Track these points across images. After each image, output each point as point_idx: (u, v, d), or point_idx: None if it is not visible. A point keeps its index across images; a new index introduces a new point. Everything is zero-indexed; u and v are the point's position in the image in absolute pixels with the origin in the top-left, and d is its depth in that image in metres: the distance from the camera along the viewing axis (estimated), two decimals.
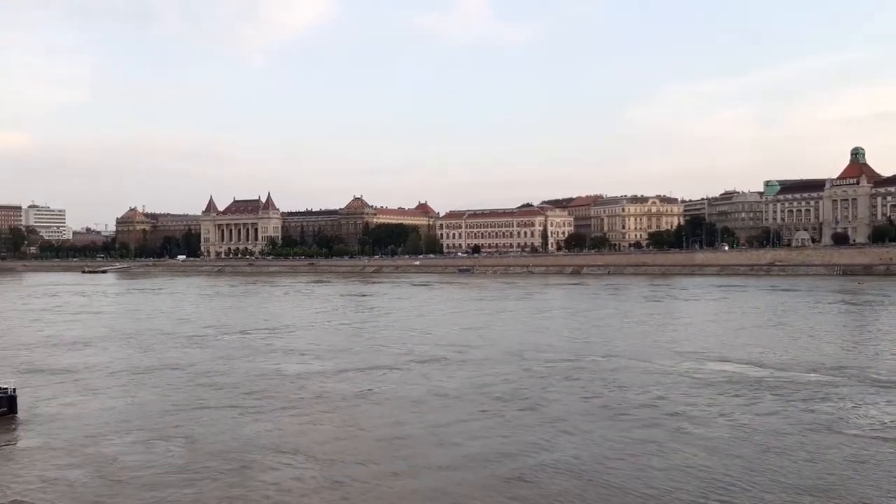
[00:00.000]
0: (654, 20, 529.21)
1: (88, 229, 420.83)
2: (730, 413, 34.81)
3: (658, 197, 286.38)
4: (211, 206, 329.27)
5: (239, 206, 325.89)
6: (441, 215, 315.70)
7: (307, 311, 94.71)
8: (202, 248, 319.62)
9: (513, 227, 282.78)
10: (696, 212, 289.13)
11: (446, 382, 43.38)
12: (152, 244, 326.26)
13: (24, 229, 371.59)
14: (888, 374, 43.83)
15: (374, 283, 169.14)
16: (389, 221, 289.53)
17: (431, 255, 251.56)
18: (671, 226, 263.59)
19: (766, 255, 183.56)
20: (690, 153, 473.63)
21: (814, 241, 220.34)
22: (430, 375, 45.72)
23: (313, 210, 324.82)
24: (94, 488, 25.66)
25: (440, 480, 26.11)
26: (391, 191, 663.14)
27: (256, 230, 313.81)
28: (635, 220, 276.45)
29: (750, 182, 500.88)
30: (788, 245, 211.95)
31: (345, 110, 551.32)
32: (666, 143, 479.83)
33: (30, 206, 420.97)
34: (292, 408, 37.13)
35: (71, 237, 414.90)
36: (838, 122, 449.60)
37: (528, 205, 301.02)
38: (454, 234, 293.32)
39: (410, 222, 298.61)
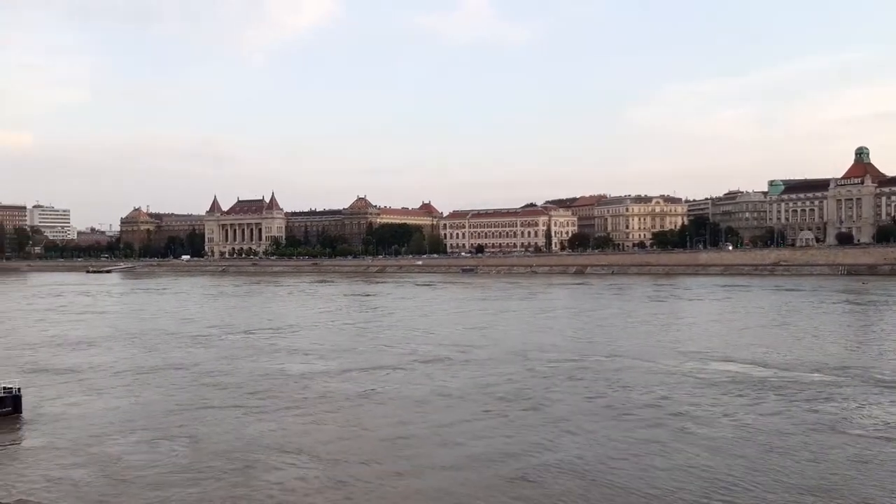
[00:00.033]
0: (654, 20, 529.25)
1: (93, 229, 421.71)
2: (733, 413, 34.81)
3: (662, 197, 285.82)
4: (215, 206, 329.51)
5: (243, 206, 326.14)
6: (444, 215, 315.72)
7: (311, 311, 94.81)
8: (206, 248, 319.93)
9: (516, 226, 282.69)
10: (700, 211, 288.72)
11: (450, 382, 43.42)
12: (156, 244, 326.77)
13: (28, 229, 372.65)
14: (892, 375, 43.78)
15: (378, 283, 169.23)
16: (393, 221, 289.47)
17: (435, 255, 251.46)
18: (675, 226, 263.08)
19: (771, 255, 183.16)
20: (691, 153, 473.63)
21: (818, 240, 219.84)
22: (434, 375, 45.77)
23: (317, 210, 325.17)
24: (99, 487, 25.76)
25: (444, 480, 26.15)
26: (393, 191, 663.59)
27: (260, 230, 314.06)
28: (639, 219, 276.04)
29: (752, 181, 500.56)
30: (793, 245, 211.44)
31: (345, 110, 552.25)
32: (666, 143, 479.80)
33: (34, 206, 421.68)
34: (296, 407, 37.21)
35: (75, 237, 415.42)
36: (840, 122, 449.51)
37: (532, 205, 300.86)
38: (458, 234, 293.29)
39: (414, 222, 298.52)
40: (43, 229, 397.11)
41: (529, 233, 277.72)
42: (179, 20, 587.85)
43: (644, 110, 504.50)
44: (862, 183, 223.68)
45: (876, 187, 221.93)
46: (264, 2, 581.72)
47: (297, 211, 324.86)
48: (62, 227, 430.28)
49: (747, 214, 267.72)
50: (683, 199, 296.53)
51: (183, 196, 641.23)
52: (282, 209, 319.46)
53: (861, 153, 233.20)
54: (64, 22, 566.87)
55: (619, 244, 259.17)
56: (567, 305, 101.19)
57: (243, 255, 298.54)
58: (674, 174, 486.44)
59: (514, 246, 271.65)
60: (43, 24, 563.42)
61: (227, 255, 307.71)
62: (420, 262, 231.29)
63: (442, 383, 43.16)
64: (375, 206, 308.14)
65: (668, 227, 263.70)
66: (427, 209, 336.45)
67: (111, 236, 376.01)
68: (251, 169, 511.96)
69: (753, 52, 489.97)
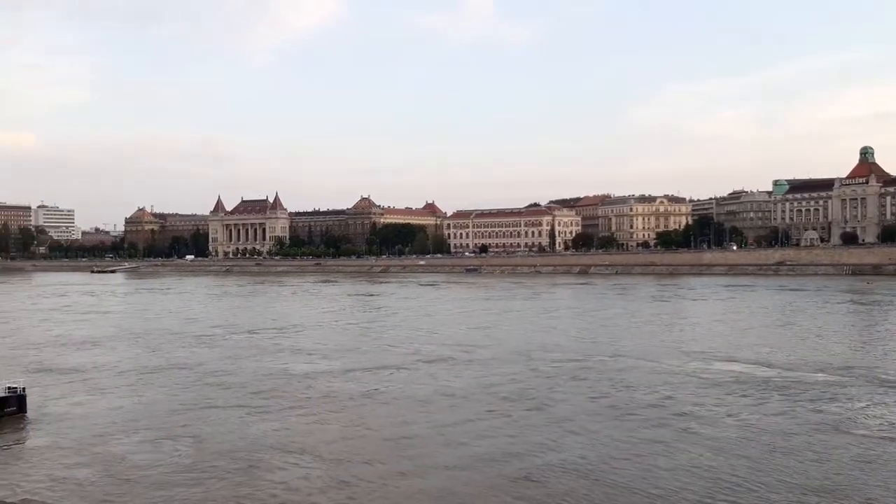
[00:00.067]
0: (654, 20, 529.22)
1: (97, 229, 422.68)
2: (737, 413, 34.77)
3: (666, 196, 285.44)
4: (219, 206, 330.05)
5: (247, 206, 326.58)
6: (448, 215, 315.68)
7: (314, 311, 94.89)
8: (210, 248, 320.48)
9: (520, 226, 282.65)
10: (704, 211, 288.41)
11: (453, 382, 43.43)
12: (161, 244, 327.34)
13: (33, 229, 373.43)
14: None
15: (382, 282, 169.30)
16: (397, 221, 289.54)
17: (439, 255, 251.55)
18: (679, 225, 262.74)
19: (775, 255, 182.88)
20: (692, 153, 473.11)
21: (823, 240, 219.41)
22: (437, 375, 45.78)
23: (321, 210, 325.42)
24: (103, 487, 25.82)
25: (447, 480, 26.16)
26: (395, 190, 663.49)
27: (264, 230, 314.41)
28: (643, 219, 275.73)
29: (754, 181, 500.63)
30: (797, 245, 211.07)
31: (346, 110, 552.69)
32: (667, 143, 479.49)
33: (39, 207, 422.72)
34: (300, 407, 37.25)
35: (80, 237, 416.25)
36: (841, 122, 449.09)
37: (536, 204, 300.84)
38: (461, 234, 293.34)
39: (418, 222, 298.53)
40: (47, 229, 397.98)
41: (533, 233, 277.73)
42: (181, 20, 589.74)
43: (645, 110, 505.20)
44: (867, 183, 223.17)
45: (881, 187, 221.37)
46: (269, 1, 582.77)
47: (301, 211, 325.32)
48: (66, 227, 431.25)
49: (752, 214, 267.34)
50: (687, 198, 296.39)
51: (185, 196, 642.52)
52: (286, 209, 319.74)
53: (866, 153, 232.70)
54: (64, 22, 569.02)
55: (623, 244, 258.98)
56: (571, 305, 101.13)
57: (247, 255, 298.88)
58: (674, 174, 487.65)
59: (518, 246, 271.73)
60: (43, 24, 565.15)
61: (230, 255, 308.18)
62: (423, 262, 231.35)
63: (445, 383, 43.17)
64: (379, 205, 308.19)
65: (672, 226, 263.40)
66: (431, 209, 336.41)
67: (115, 236, 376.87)
68: (252, 169, 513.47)
69: (754, 52, 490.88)
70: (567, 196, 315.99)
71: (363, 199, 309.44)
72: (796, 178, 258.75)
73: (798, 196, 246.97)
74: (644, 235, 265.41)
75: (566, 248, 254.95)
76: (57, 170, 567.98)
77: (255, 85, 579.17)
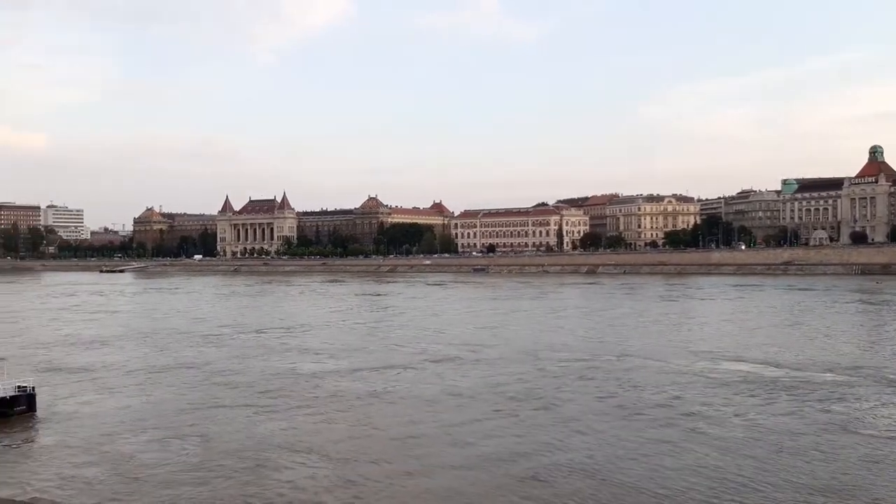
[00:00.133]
0: (661, 19, 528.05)
1: (106, 229, 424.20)
2: (745, 413, 34.70)
3: (674, 196, 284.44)
4: (227, 205, 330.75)
5: (255, 206, 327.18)
6: (455, 215, 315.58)
7: (322, 311, 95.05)
8: (218, 247, 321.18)
9: (528, 226, 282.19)
10: (713, 211, 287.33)
11: (460, 382, 43.47)
12: (169, 244, 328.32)
13: (42, 229, 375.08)
14: None
15: (389, 282, 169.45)
16: (404, 221, 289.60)
17: (446, 255, 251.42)
18: (687, 225, 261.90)
19: (784, 255, 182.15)
20: (699, 153, 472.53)
21: (832, 240, 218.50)
22: (445, 375, 45.83)
23: (328, 210, 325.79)
24: (111, 485, 25.96)
25: (454, 480, 26.20)
26: (398, 190, 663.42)
27: (272, 230, 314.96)
28: (651, 219, 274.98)
29: (761, 181, 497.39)
30: (806, 244, 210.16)
31: (347, 110, 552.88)
32: (673, 143, 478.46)
33: (48, 207, 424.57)
34: (307, 407, 37.35)
35: (89, 237, 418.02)
36: (849, 121, 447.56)
37: (544, 204, 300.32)
38: (469, 234, 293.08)
39: (425, 222, 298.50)
40: (57, 229, 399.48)
41: (541, 232, 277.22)
42: (189, 20, 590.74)
43: (648, 110, 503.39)
44: (876, 182, 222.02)
45: (890, 186, 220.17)
46: (284, 3, 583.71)
47: (308, 210, 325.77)
48: (76, 227, 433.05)
49: (760, 214, 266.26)
50: (696, 198, 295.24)
51: (192, 196, 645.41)
52: (293, 209, 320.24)
53: (875, 152, 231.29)
54: (64, 22, 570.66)
55: (631, 244, 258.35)
56: (578, 305, 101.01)
57: (255, 255, 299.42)
58: (674, 174, 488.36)
59: (526, 245, 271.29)
60: (43, 24, 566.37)
61: (238, 255, 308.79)
62: (428, 262, 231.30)
63: (452, 383, 43.21)
64: (386, 205, 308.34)
65: (680, 226, 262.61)
66: (438, 209, 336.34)
67: (124, 236, 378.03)
68: (256, 168, 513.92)
69: (757, 51, 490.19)
70: (572, 195, 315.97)
71: (371, 198, 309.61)
72: (805, 177, 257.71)
73: (807, 195, 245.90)
74: (652, 235, 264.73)
75: (574, 247, 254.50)
76: (65, 170, 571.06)
77: (262, 84, 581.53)
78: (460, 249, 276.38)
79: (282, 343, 61.73)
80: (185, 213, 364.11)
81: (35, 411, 35.50)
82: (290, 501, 24.35)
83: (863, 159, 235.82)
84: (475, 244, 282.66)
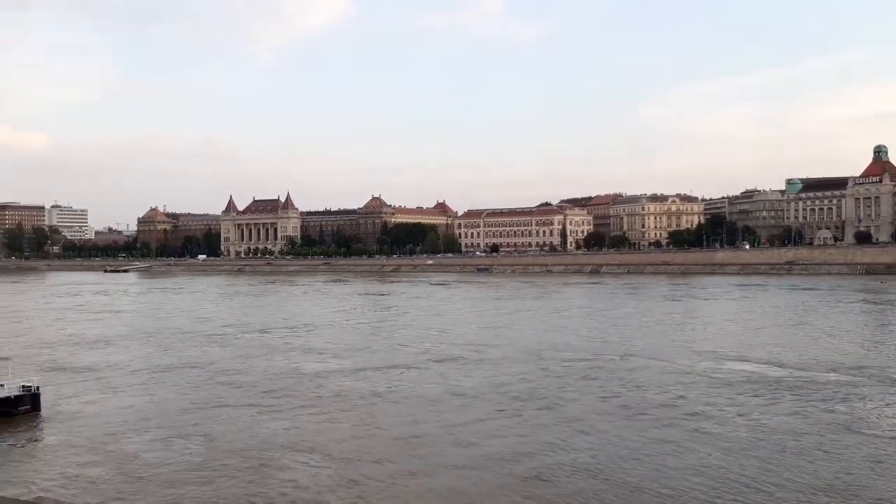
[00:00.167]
0: (661, 19, 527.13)
1: (110, 229, 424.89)
2: (748, 413, 34.66)
3: (678, 196, 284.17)
4: (231, 205, 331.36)
5: (259, 206, 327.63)
6: (459, 214, 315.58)
7: (325, 311, 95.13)
8: (222, 247, 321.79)
9: (531, 226, 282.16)
10: (717, 210, 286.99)
11: (464, 382, 43.47)
12: (173, 244, 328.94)
13: (47, 229, 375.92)
14: None
15: (392, 282, 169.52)
16: (407, 221, 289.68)
17: (450, 255, 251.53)
18: (691, 224, 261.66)
19: (788, 254, 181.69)
20: (701, 152, 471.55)
21: (836, 239, 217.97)
22: (448, 374, 45.84)
23: (332, 209, 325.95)
24: (116, 485, 26.03)
25: (457, 480, 26.21)
26: (403, 190, 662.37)
27: (276, 230, 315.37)
28: (655, 218, 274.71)
29: (766, 180, 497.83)
30: (810, 244, 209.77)
31: (347, 110, 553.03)
32: (675, 143, 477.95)
33: (52, 206, 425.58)
34: (310, 406, 37.39)
35: (93, 237, 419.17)
36: (851, 121, 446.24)
37: (547, 204, 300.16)
38: (472, 234, 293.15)
39: (429, 221, 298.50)
40: (61, 229, 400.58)
41: (545, 232, 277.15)
42: (189, 20, 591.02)
43: (650, 110, 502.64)
44: (880, 181, 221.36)
45: (895, 186, 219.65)
46: (285, 3, 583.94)
47: (312, 210, 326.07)
48: (80, 227, 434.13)
49: (764, 213, 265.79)
50: (699, 197, 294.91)
51: (192, 196, 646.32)
52: (297, 209, 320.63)
53: (879, 151, 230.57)
54: (64, 22, 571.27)
55: (634, 243, 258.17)
56: (582, 305, 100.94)
57: (259, 255, 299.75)
58: (674, 174, 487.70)
59: (530, 245, 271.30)
60: (43, 24, 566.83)
61: (242, 255, 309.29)
62: (430, 262, 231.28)
63: (456, 382, 43.22)
64: (390, 205, 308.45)
65: (684, 226, 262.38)
66: (442, 208, 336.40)
67: (128, 236, 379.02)
68: (256, 168, 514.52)
69: (757, 51, 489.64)
70: (572, 195, 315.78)
71: (374, 198, 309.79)
72: (809, 176, 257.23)
73: (811, 195, 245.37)
74: (656, 235, 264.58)
75: (578, 247, 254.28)
76: (66, 170, 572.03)
77: (263, 84, 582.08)
78: (464, 249, 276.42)
79: (285, 343, 61.80)
80: (188, 213, 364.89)
81: (39, 411, 35.60)
82: (293, 501, 24.39)
83: (864, 159, 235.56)
84: (479, 244, 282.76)
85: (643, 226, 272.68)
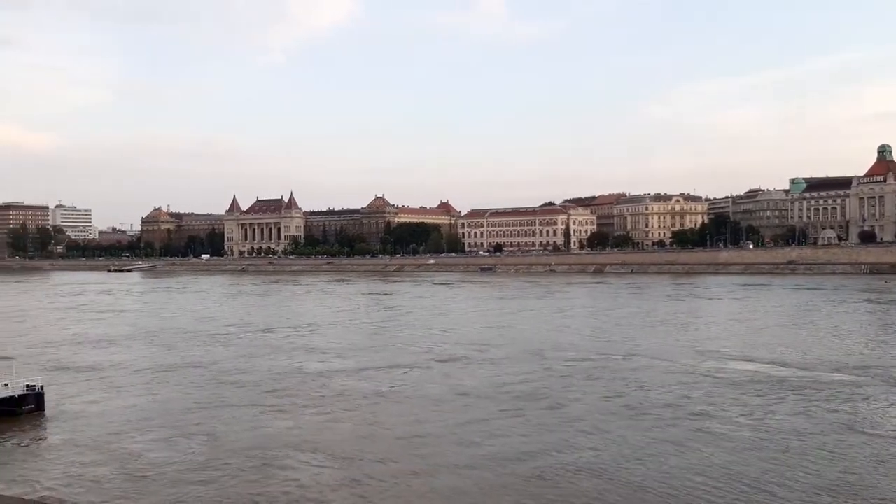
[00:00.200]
0: (661, 19, 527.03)
1: (114, 229, 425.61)
2: (752, 413, 34.60)
3: (682, 195, 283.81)
4: (234, 205, 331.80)
5: (262, 206, 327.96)
6: (462, 214, 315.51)
7: (328, 310, 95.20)
8: (226, 247, 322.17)
9: (535, 225, 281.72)
10: (721, 210, 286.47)
11: (467, 381, 43.48)
12: (177, 243, 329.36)
13: (51, 229, 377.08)
14: None
15: (396, 282, 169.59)
16: (411, 220, 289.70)
17: (453, 255, 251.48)
18: (695, 224, 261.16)
19: (792, 254, 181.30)
20: (696, 153, 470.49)
21: (840, 239, 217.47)
22: (451, 374, 45.85)
23: (335, 209, 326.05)
24: (119, 484, 26.08)
25: (460, 479, 26.20)
26: (404, 189, 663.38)
27: (279, 229, 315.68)
28: (659, 218, 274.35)
29: (770, 180, 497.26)
30: (814, 243, 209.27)
31: (348, 110, 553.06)
32: (678, 142, 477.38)
33: (56, 206, 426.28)
34: (313, 406, 37.42)
35: (97, 236, 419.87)
36: (857, 120, 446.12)
37: (551, 203, 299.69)
38: (476, 233, 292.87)
39: (432, 221, 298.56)
40: (65, 229, 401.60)
41: (548, 231, 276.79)
42: (189, 20, 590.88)
43: (650, 109, 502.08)
44: (885, 181, 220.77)
45: None
46: (284, 2, 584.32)
47: (315, 210, 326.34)
48: (84, 227, 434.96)
49: (768, 213, 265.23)
50: (703, 197, 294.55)
51: (194, 196, 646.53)
52: (300, 208, 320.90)
53: (884, 150, 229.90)
54: (64, 22, 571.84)
55: (638, 243, 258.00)
56: (585, 304, 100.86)
57: (262, 255, 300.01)
58: (675, 174, 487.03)
59: (533, 245, 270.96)
60: (43, 24, 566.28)
61: (246, 255, 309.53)
62: (434, 262, 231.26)
63: (459, 382, 43.22)
64: (393, 205, 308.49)
65: (688, 225, 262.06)
66: (445, 208, 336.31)
67: (132, 236, 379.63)
68: (257, 168, 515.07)
69: (757, 51, 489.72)
70: (573, 195, 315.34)
71: (377, 198, 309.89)
72: (813, 176, 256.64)
73: (815, 194, 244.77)
74: (660, 234, 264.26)
75: (581, 247, 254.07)
76: (68, 170, 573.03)
77: (256, 85, 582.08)
78: (467, 249, 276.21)
79: (288, 342, 61.86)
80: (192, 213, 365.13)
81: (43, 410, 35.69)
82: (296, 500, 24.40)
83: (868, 158, 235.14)
84: (482, 244, 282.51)
85: (647, 225, 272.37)
